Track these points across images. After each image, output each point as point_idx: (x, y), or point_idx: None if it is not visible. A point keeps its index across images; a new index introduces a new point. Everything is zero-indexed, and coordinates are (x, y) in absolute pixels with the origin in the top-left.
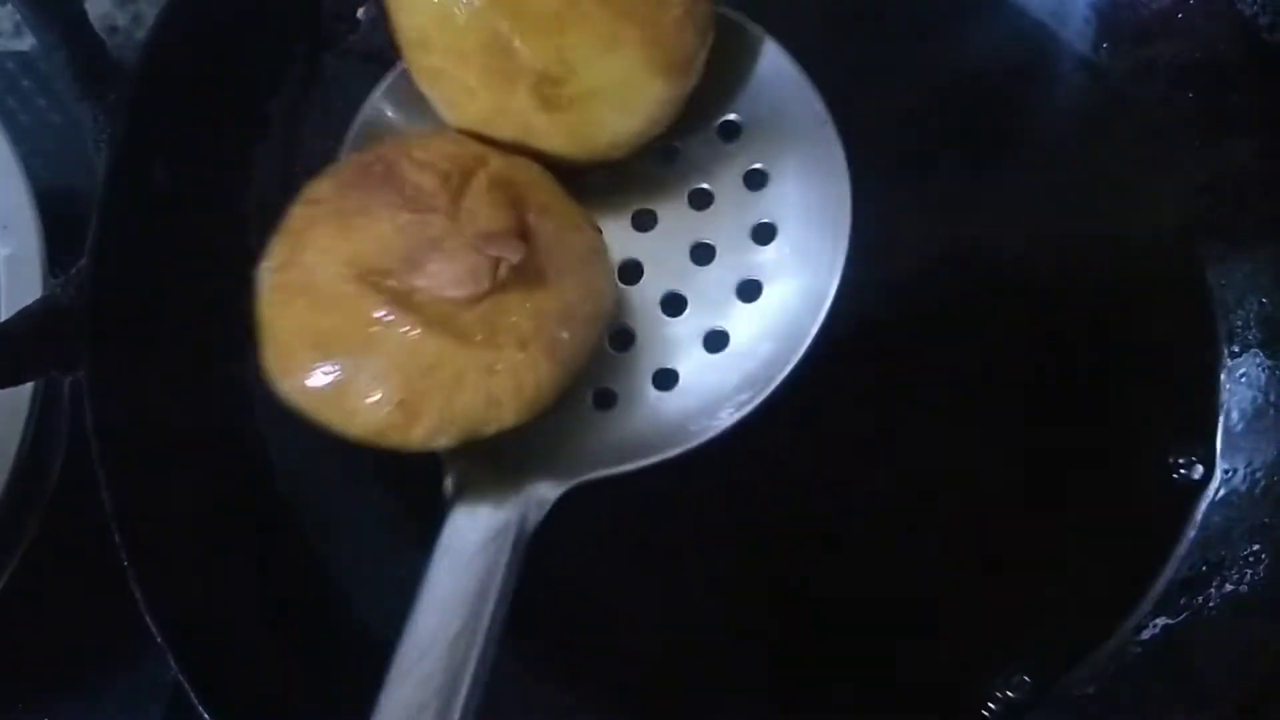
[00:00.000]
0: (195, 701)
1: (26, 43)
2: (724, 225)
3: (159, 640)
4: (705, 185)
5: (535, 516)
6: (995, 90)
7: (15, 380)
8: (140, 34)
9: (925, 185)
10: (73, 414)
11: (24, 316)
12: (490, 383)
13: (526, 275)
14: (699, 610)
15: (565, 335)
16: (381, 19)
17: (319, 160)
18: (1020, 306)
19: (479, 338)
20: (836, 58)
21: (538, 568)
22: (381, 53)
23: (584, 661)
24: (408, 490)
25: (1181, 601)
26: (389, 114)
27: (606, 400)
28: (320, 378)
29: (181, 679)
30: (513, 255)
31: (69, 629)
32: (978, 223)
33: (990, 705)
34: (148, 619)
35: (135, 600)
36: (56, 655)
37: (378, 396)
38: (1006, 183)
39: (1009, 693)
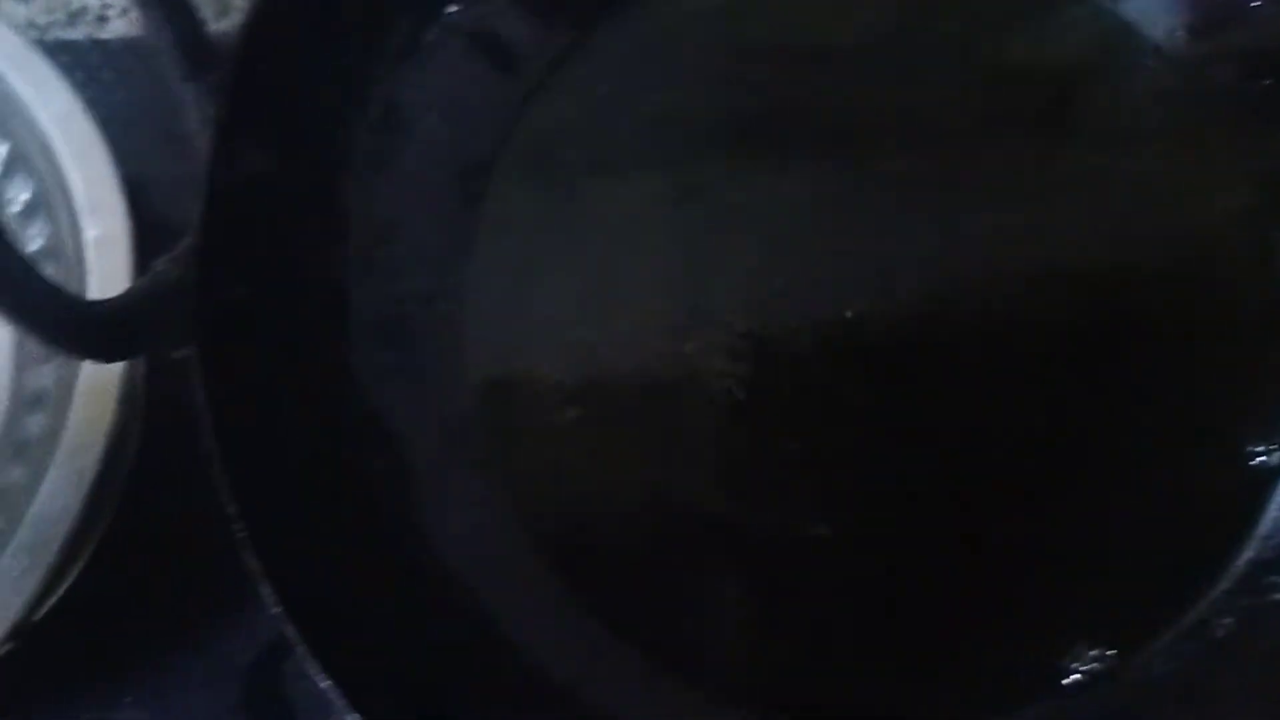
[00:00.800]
0: (315, 670)
1: (109, 31)
2: None
3: (278, 610)
4: None
5: None
6: (1067, 76)
7: (126, 355)
8: (223, 17)
9: (997, 169)
10: (147, 401)
11: (131, 293)
12: None
13: None
14: (784, 605)
15: None
16: None
17: (417, 139)
18: (1093, 292)
19: None
20: (909, 36)
21: None
22: (483, 29)
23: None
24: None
25: (1265, 581)
26: None
27: None
28: None
29: (303, 647)
30: None
31: (145, 611)
32: (1048, 208)
33: (1074, 676)
34: (267, 589)
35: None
36: (134, 636)
37: None
38: (1077, 168)
39: (1095, 665)
